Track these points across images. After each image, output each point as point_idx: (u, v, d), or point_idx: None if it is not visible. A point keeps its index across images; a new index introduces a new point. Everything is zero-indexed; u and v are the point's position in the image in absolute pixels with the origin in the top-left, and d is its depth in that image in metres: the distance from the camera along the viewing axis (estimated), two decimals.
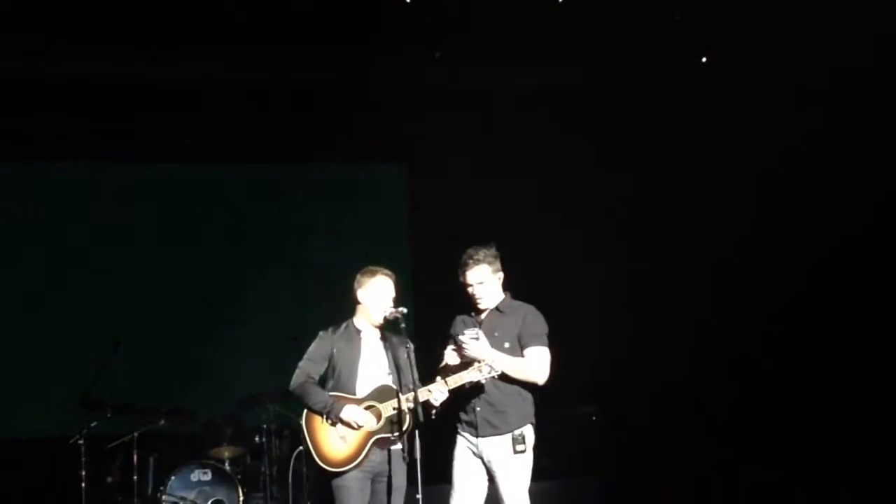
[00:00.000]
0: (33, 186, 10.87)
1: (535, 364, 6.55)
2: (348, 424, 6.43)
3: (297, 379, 6.60)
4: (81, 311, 10.73)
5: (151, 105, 10.40)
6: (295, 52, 10.14)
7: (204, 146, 10.94)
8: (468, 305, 6.77)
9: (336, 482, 6.45)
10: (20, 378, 10.49)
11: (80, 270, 10.82)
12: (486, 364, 6.37)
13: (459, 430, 6.64)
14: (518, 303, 6.72)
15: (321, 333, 6.72)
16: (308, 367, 6.63)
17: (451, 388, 6.44)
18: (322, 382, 6.64)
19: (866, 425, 8.96)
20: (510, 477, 6.50)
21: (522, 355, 6.58)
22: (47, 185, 10.91)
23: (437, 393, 6.45)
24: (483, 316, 6.69)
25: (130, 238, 10.97)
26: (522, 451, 6.49)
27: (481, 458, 6.58)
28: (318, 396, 6.50)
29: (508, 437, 6.50)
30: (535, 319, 6.65)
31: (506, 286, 6.74)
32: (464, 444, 6.63)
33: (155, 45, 9.80)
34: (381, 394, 6.51)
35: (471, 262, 6.62)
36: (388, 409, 6.46)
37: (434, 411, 6.49)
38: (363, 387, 6.55)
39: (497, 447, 6.52)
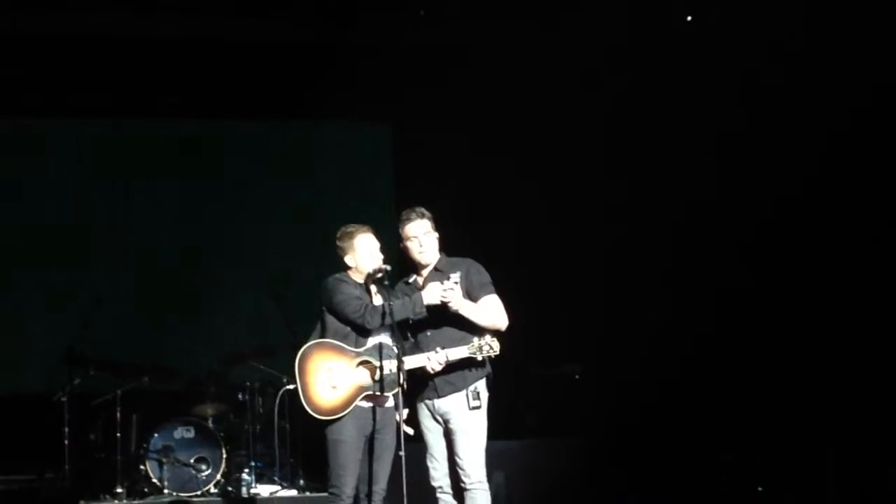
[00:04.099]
0: (14, 142, 10.78)
1: (495, 311, 6.60)
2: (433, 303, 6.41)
3: (370, 313, 6.45)
4: (64, 269, 10.67)
5: (135, 61, 10.32)
6: (282, 8, 10.08)
7: (188, 103, 10.87)
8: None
9: (333, 437, 6.46)
10: (3, 335, 10.45)
11: (63, 227, 10.76)
12: (487, 343, 6.42)
13: (418, 398, 6.66)
14: (455, 259, 6.75)
15: (336, 280, 6.59)
16: (361, 299, 6.53)
17: (450, 359, 6.47)
18: (324, 331, 6.59)
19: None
20: (466, 432, 6.53)
21: None
22: (29, 141, 10.82)
23: (434, 362, 6.47)
24: (423, 279, 6.70)
25: (114, 195, 10.93)
26: (478, 407, 6.54)
27: (440, 418, 6.61)
28: (397, 307, 6.43)
29: (464, 393, 6.55)
30: (477, 271, 6.68)
31: (443, 246, 6.74)
32: (424, 410, 6.67)
33: (138, 1, 9.72)
34: (378, 351, 6.48)
35: (413, 214, 6.65)
36: (382, 367, 6.44)
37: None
38: (370, 340, 6.53)
39: (454, 403, 6.56)
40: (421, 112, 10.75)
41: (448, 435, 6.60)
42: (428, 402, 6.64)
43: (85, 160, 10.92)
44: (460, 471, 6.55)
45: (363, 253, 6.60)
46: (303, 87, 10.64)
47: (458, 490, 6.58)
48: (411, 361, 6.43)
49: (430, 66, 10.35)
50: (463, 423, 6.55)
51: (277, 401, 8.14)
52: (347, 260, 6.65)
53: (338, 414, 6.43)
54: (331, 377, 6.46)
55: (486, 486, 6.55)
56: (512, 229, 10.68)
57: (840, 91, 8.92)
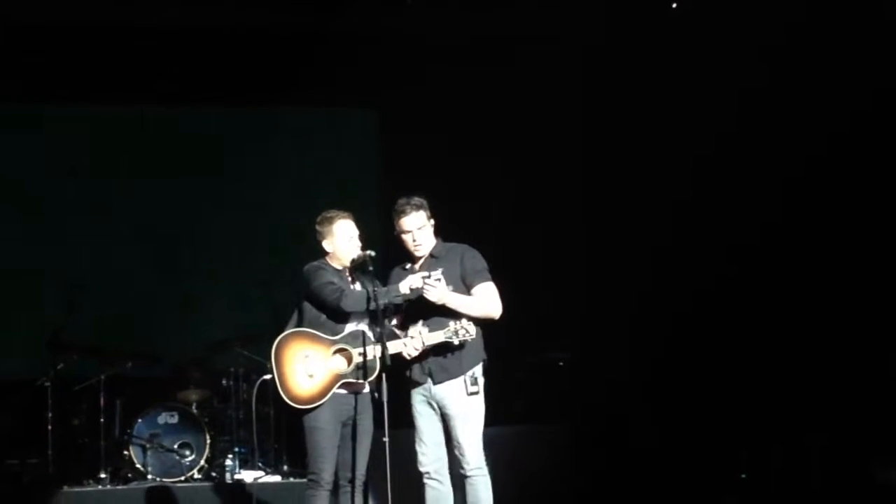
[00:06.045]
0: None
1: (488, 300, 6.59)
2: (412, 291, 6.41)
3: (346, 297, 6.45)
4: (48, 254, 10.63)
5: (121, 48, 10.29)
6: None
7: (173, 90, 10.82)
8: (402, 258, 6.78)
9: (310, 424, 6.46)
10: None
11: (48, 212, 10.72)
12: (463, 328, 6.40)
13: (412, 384, 6.65)
14: (450, 244, 6.74)
15: (313, 267, 6.59)
16: (339, 284, 6.51)
17: (426, 344, 6.47)
18: (300, 320, 6.58)
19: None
20: (465, 418, 6.53)
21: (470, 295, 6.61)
22: (13, 125, 10.76)
23: (410, 348, 6.48)
24: (419, 265, 6.69)
25: (99, 180, 10.87)
26: (476, 393, 6.54)
27: (436, 404, 6.60)
28: (381, 293, 6.42)
29: (461, 379, 6.53)
30: (473, 257, 6.67)
31: (437, 232, 6.72)
32: (419, 395, 6.66)
33: None
34: (354, 338, 6.49)
35: (408, 207, 6.62)
36: (358, 354, 6.44)
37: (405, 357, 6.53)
38: (346, 328, 6.52)
39: (451, 390, 6.55)
40: (407, 98, 10.71)
41: (445, 421, 6.58)
42: (423, 387, 6.61)
43: (70, 146, 10.86)
44: (460, 457, 6.54)
45: (341, 238, 6.62)
46: (288, 72, 10.59)
47: (457, 477, 6.58)
48: (389, 347, 6.40)
49: (416, 53, 10.34)
50: (461, 408, 6.53)
51: (255, 389, 8.13)
52: (325, 245, 6.66)
53: (315, 402, 6.44)
54: (307, 366, 6.46)
55: (485, 471, 6.56)
56: (499, 215, 10.67)
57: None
